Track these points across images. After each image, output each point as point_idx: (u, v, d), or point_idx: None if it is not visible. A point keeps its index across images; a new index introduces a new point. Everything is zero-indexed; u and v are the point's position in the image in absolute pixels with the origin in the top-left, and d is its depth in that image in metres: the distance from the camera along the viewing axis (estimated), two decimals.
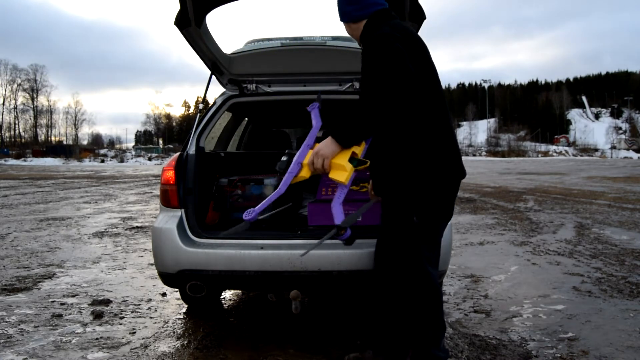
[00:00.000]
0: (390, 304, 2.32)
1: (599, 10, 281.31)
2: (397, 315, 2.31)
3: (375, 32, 2.05)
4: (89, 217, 8.26)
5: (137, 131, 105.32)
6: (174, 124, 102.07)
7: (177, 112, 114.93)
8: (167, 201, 2.83)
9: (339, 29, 2.66)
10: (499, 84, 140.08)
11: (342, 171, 1.86)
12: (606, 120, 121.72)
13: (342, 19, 2.26)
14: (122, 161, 58.38)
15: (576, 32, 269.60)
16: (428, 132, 2.03)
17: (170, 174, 2.83)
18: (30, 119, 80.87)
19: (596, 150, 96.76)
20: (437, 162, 2.06)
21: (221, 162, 3.64)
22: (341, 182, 1.87)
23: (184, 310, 3.43)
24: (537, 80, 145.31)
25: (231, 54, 3.33)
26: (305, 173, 2.08)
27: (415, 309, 2.14)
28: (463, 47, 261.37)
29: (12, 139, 77.74)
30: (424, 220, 2.10)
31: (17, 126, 79.66)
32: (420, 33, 2.69)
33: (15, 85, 78.23)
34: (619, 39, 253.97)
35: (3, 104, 77.32)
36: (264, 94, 3.32)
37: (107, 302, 3.57)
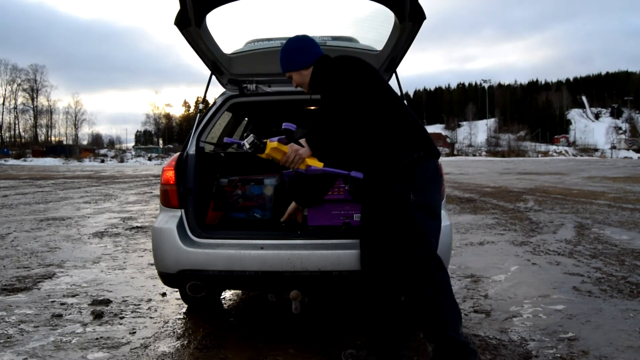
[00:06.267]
0: (382, 302, 2.34)
1: (590, 12, 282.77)
2: (390, 315, 2.34)
3: (335, 58, 2.32)
4: (89, 217, 8.26)
5: (137, 131, 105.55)
6: (174, 124, 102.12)
7: (177, 112, 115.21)
8: (167, 201, 2.83)
9: (339, 29, 2.66)
10: (499, 84, 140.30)
11: (316, 162, 2.28)
12: (606, 120, 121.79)
13: (291, 69, 2.42)
14: (122, 161, 58.41)
15: (568, 33, 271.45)
16: (402, 120, 2.25)
17: (170, 174, 2.83)
18: (30, 119, 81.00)
19: (596, 150, 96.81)
20: (417, 139, 2.24)
21: (221, 162, 3.64)
22: (318, 165, 2.27)
23: (184, 310, 3.43)
24: (537, 81, 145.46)
25: (231, 54, 3.33)
26: (270, 151, 2.22)
27: (427, 293, 2.15)
28: (455, 48, 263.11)
29: (12, 139, 77.78)
30: (421, 199, 2.16)
31: (17, 126, 79.79)
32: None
33: (15, 85, 78.37)
34: (616, 39, 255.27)
35: (3, 104, 77.46)
36: (264, 94, 3.31)
37: (107, 302, 3.57)
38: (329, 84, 2.26)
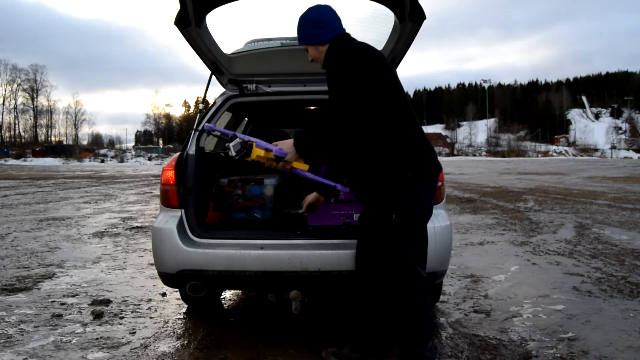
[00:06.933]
0: (371, 303, 2.32)
1: (590, 12, 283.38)
2: (379, 314, 2.32)
3: (345, 44, 2.18)
4: (89, 217, 8.26)
5: (137, 131, 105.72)
6: (174, 124, 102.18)
7: (177, 112, 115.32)
8: (167, 201, 2.83)
9: None
10: (499, 84, 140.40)
11: (301, 164, 2.32)
12: (606, 120, 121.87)
13: (308, 42, 2.30)
14: (122, 161, 58.42)
15: (568, 33, 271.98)
16: (396, 134, 2.14)
17: (170, 174, 2.83)
18: (30, 119, 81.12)
19: (596, 150, 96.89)
20: (407, 160, 2.14)
21: (221, 162, 3.64)
22: (304, 168, 2.32)
23: (184, 310, 3.43)
24: (537, 81, 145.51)
25: (231, 54, 3.33)
26: (257, 157, 2.21)
27: (403, 309, 2.14)
28: (455, 48, 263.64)
29: (12, 139, 77.84)
30: (404, 219, 2.11)
31: (17, 126, 79.90)
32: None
33: (15, 85, 78.49)
34: (617, 39, 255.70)
35: (3, 104, 77.58)
36: (264, 94, 3.31)
37: (107, 302, 3.57)
38: (334, 73, 2.15)
